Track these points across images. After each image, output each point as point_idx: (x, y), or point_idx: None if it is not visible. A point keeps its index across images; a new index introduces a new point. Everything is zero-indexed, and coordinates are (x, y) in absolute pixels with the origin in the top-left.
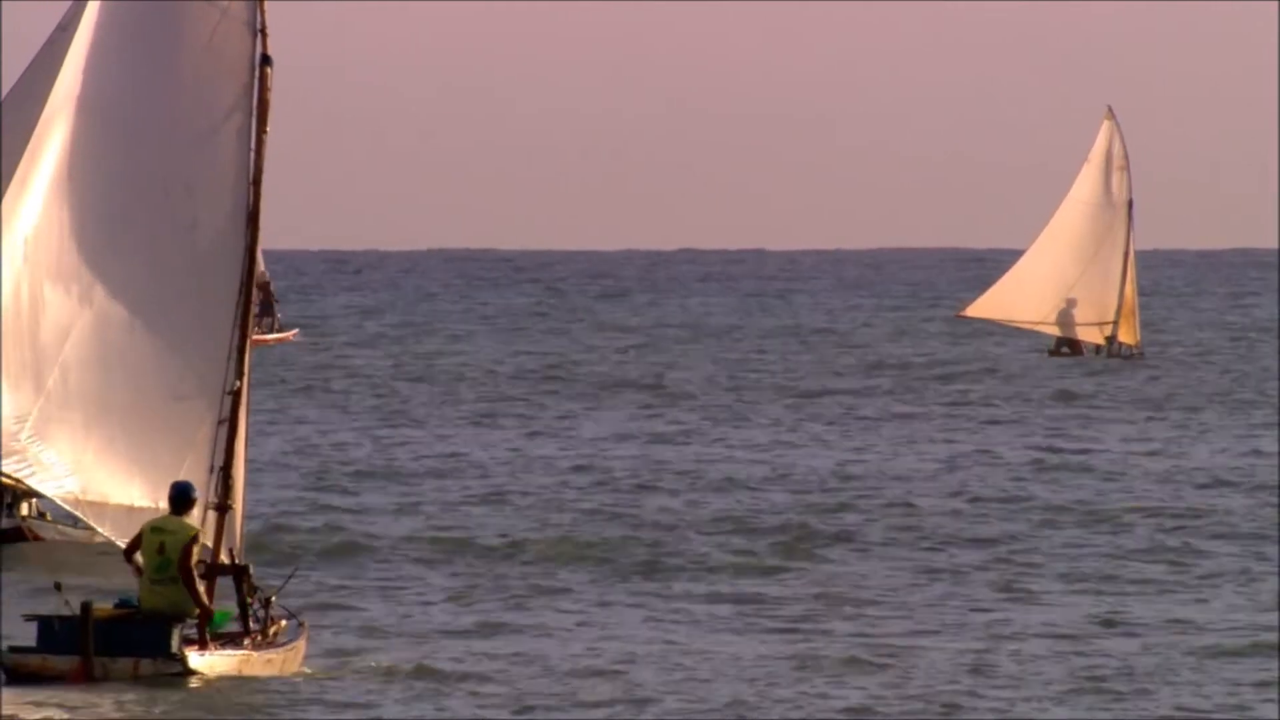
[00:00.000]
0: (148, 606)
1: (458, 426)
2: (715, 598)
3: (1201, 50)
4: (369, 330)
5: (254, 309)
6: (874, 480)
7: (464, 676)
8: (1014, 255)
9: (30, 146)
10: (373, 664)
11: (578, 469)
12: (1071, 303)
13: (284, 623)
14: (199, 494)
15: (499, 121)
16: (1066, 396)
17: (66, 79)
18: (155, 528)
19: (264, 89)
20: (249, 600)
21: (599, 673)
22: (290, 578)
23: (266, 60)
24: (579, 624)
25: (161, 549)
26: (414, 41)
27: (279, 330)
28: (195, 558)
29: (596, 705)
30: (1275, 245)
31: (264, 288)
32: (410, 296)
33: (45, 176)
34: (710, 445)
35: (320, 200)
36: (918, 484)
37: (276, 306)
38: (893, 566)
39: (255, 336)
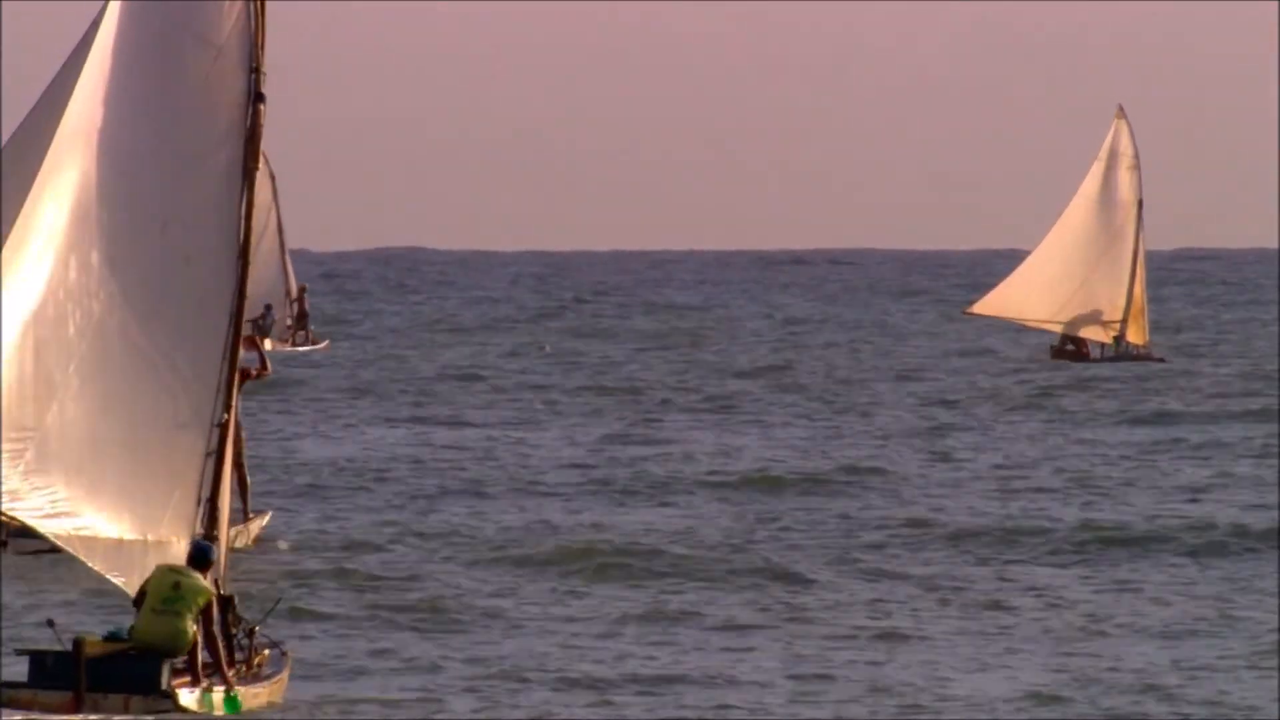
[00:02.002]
0: (143, 635)
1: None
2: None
3: (1210, 48)
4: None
5: (288, 320)
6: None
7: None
8: (1020, 255)
9: (37, 183)
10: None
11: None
12: (1097, 313)
13: (267, 652)
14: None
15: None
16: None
17: (72, 116)
18: (174, 568)
19: (256, 126)
20: (233, 630)
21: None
22: (274, 608)
23: (260, 98)
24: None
25: (177, 586)
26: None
27: (314, 342)
28: (214, 620)
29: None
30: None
31: (299, 299)
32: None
33: (49, 212)
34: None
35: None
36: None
37: (309, 318)
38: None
39: (287, 349)
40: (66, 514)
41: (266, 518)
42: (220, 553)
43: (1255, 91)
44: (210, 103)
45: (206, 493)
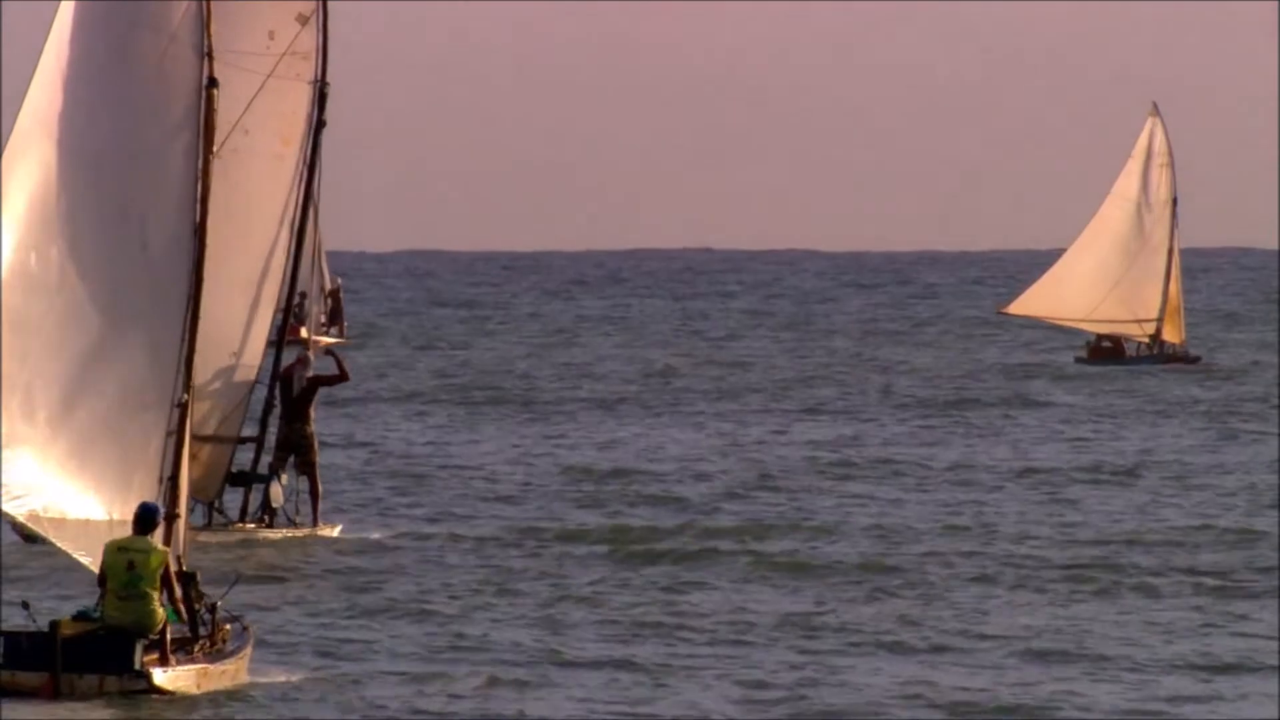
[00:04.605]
0: (113, 621)
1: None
2: None
3: (1243, 47)
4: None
5: (322, 316)
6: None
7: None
8: (1054, 256)
9: (5, 160)
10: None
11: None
12: (1132, 312)
13: (228, 627)
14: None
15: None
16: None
17: (29, 106)
18: (121, 547)
19: (210, 111)
20: (196, 606)
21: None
22: (234, 585)
23: (213, 83)
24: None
25: (131, 566)
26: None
27: (344, 337)
28: (171, 578)
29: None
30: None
31: (334, 295)
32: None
33: (9, 203)
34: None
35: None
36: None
37: (344, 313)
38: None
39: (317, 337)
40: (34, 495)
41: (335, 530)
42: (181, 530)
43: None
44: (165, 89)
45: (168, 471)
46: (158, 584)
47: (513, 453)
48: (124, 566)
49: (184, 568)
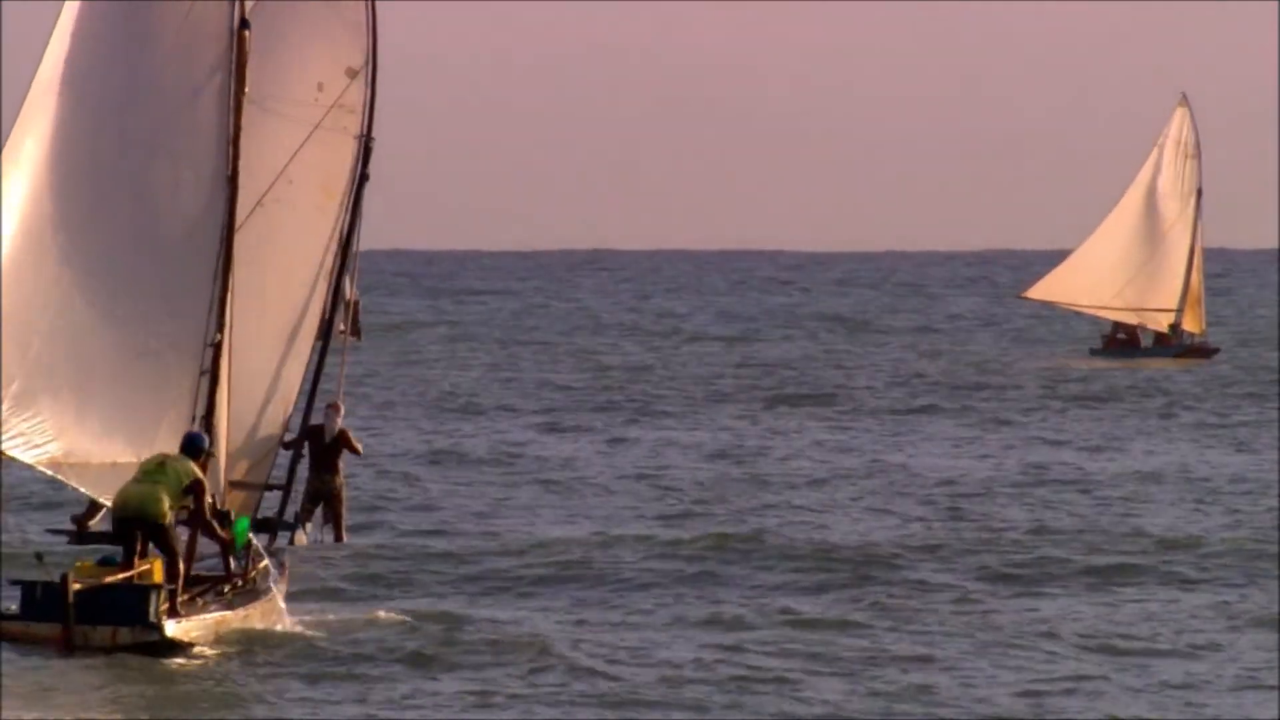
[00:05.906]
0: (120, 501)
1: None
2: None
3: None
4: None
5: (341, 325)
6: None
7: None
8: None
9: (20, 119)
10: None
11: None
12: (1152, 301)
13: (264, 564)
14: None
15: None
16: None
17: (53, 52)
18: (165, 454)
19: (241, 52)
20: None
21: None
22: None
23: (245, 24)
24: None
25: (162, 464)
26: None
27: (359, 339)
28: (207, 498)
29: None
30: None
31: (353, 307)
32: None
33: (30, 149)
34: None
35: None
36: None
37: (361, 323)
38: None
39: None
40: (56, 443)
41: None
42: (221, 469)
43: None
44: (198, 33)
45: (201, 410)
46: (178, 490)
47: (518, 451)
48: (156, 462)
49: (218, 505)
